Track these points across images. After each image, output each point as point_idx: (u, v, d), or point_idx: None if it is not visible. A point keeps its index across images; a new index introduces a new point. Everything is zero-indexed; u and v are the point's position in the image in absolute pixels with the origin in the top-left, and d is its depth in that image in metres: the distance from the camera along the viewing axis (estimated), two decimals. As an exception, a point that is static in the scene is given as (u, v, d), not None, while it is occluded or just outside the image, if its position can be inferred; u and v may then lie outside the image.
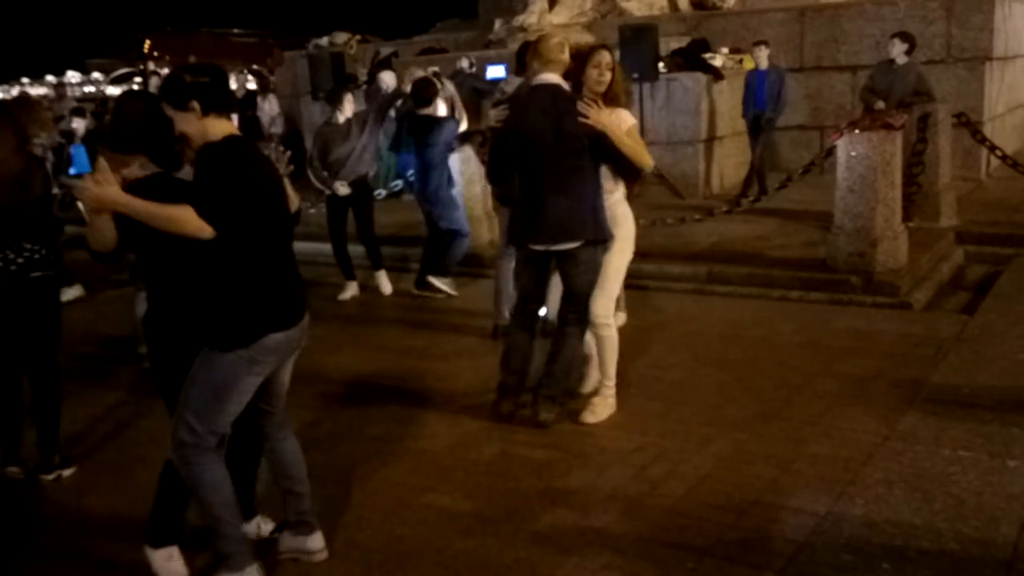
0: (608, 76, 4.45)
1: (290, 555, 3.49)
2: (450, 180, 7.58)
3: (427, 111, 7.47)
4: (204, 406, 3.11)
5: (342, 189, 7.42)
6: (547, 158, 4.40)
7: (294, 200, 3.38)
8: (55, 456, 4.38)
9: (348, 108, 7.52)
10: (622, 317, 6.32)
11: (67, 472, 4.38)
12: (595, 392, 4.78)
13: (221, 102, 3.09)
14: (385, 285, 7.80)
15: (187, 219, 2.94)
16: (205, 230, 2.95)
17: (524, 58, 6.80)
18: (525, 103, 4.59)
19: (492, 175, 5.00)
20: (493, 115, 5.49)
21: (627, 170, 4.52)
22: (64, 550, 3.74)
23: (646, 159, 4.48)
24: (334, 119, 7.53)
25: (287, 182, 3.36)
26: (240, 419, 3.25)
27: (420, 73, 8.63)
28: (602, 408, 4.66)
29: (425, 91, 7.38)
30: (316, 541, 3.49)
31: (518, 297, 4.80)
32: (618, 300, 6.29)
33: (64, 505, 4.13)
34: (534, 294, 4.73)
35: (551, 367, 4.64)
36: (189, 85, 3.04)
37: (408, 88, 7.96)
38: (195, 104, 3.02)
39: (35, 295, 4.25)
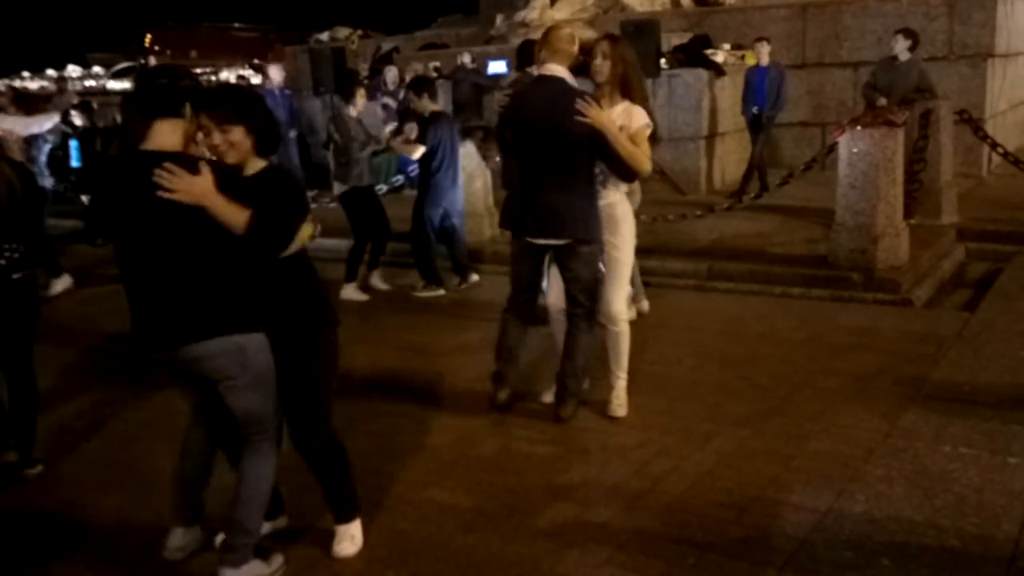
0: (602, 64, 4.35)
1: None
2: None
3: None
4: None
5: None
6: (543, 151, 4.36)
7: None
8: (31, 454, 4.35)
9: (360, 103, 7.40)
10: (645, 304, 6.38)
11: (34, 471, 4.31)
12: (610, 388, 4.70)
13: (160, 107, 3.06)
14: (378, 284, 7.62)
15: None
16: None
17: (525, 55, 6.80)
18: (526, 93, 4.62)
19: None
20: (498, 98, 5.46)
21: (622, 171, 4.37)
22: (67, 544, 3.73)
23: (643, 164, 4.32)
24: (348, 112, 7.37)
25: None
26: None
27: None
28: (625, 399, 4.67)
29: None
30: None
31: (512, 287, 4.74)
32: (640, 291, 6.36)
33: (67, 499, 4.12)
34: (528, 285, 4.69)
35: (571, 366, 4.60)
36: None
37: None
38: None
39: (15, 296, 4.20)
